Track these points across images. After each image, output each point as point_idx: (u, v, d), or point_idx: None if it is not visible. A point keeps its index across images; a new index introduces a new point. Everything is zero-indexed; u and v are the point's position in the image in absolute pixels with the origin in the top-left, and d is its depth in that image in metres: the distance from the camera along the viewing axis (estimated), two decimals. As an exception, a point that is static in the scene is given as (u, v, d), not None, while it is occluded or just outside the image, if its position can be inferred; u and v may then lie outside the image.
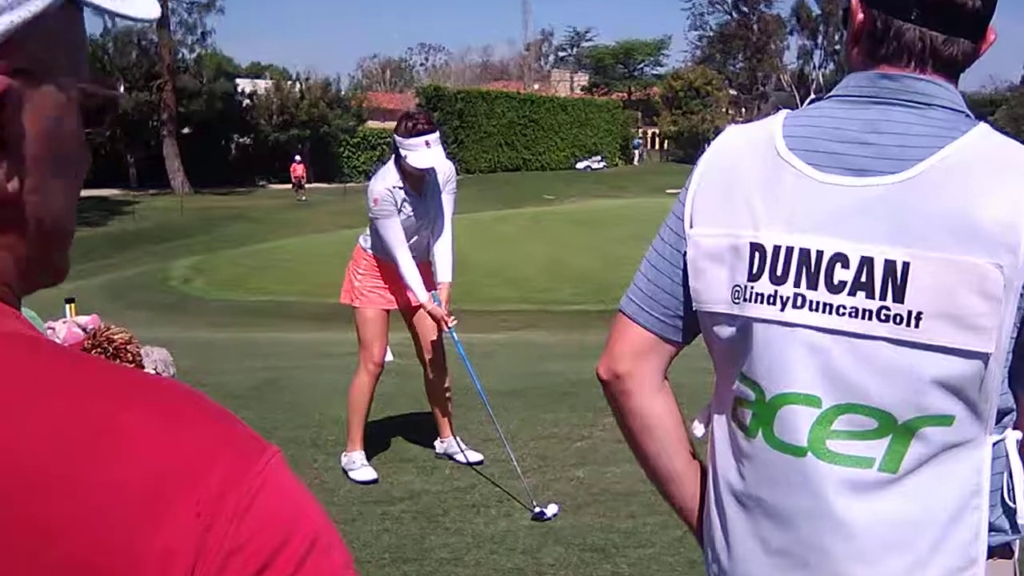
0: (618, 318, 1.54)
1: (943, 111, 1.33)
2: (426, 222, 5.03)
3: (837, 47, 74.08)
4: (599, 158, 59.41)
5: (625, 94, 76.75)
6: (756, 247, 1.35)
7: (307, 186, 42.57)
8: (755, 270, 1.36)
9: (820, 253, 1.31)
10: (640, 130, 69.85)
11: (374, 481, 5.00)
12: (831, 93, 1.42)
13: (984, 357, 1.25)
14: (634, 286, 1.53)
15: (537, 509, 4.55)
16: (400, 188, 4.88)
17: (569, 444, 5.63)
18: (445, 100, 51.54)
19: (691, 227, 1.44)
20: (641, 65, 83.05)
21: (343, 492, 4.88)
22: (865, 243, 1.28)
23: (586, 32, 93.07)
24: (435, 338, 5.22)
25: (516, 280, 18.41)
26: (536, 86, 79.83)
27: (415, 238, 4.99)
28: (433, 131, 4.82)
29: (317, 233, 28.30)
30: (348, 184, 44.04)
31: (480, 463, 5.29)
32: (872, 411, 1.29)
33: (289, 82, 51.54)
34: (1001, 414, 1.32)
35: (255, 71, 60.72)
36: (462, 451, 5.33)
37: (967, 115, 1.35)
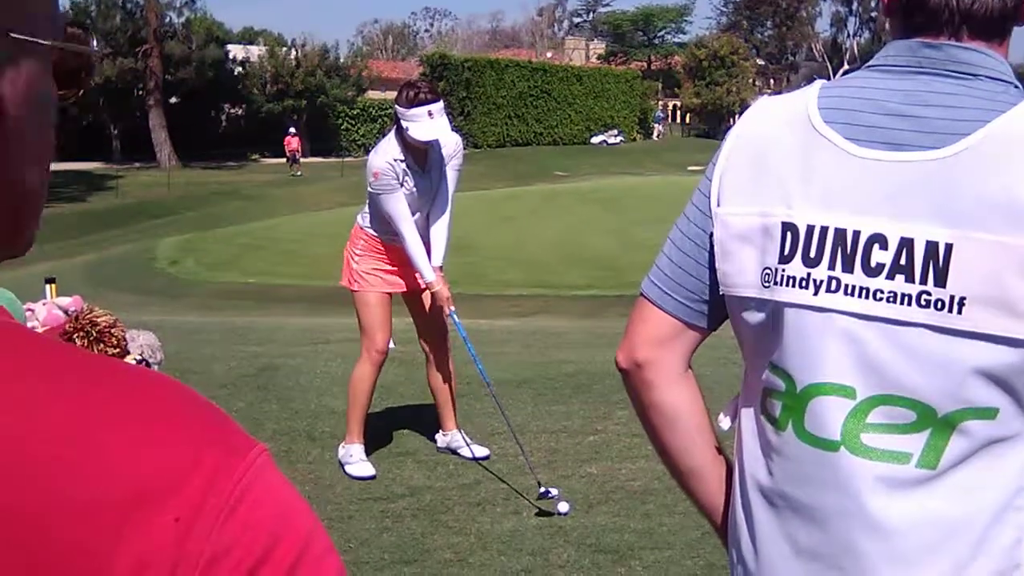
0: (639, 303, 1.54)
1: (989, 82, 1.32)
2: (428, 199, 5.04)
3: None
4: (616, 132, 59.33)
5: (644, 63, 76.67)
6: (788, 227, 1.35)
7: (302, 160, 42.65)
8: (787, 251, 1.35)
9: (857, 233, 1.30)
10: (661, 102, 69.73)
11: (372, 477, 5.02)
12: (869, 63, 1.42)
13: None
14: (656, 268, 1.52)
15: (543, 489, 4.58)
16: (402, 161, 4.88)
17: (581, 438, 5.64)
18: (451, 69, 51.48)
19: (718, 206, 1.43)
20: (662, 32, 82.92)
21: (340, 488, 4.90)
22: (905, 223, 1.27)
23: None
24: (440, 323, 5.22)
25: (526, 263, 18.43)
26: (549, 54, 79.79)
27: (416, 215, 4.99)
28: (436, 100, 4.82)
29: (313, 211, 28.37)
30: (346, 159, 44.08)
31: (486, 458, 5.31)
32: (910, 403, 1.29)
33: (284, 49, 51.50)
34: None
35: (248, 37, 60.67)
36: (467, 445, 5.34)
37: (1016, 86, 1.34)
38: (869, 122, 1.33)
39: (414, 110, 4.76)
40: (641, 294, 1.54)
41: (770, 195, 1.37)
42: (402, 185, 4.90)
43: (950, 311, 1.24)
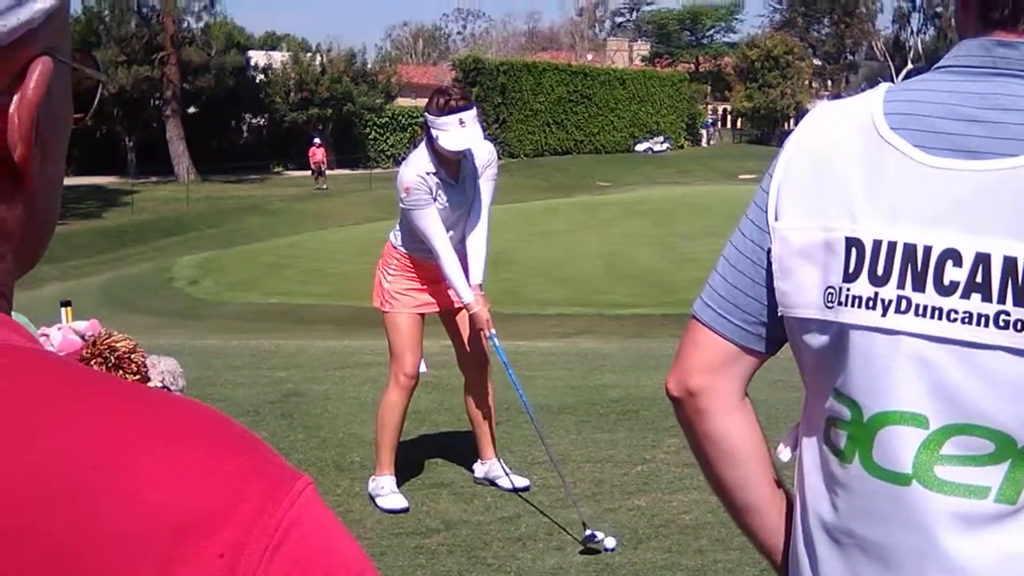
0: (692, 325, 1.53)
1: None
2: (463, 213, 5.06)
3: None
4: (662, 139, 59.33)
5: (692, 65, 76.54)
6: (853, 242, 1.33)
7: (328, 173, 42.90)
8: (852, 269, 1.33)
9: (928, 249, 1.28)
10: (710, 107, 69.61)
11: (405, 510, 5.03)
12: (939, 64, 1.40)
13: None
14: (710, 288, 1.51)
15: (588, 532, 4.57)
16: (433, 174, 4.91)
17: (628, 468, 5.63)
18: (485, 73, 51.71)
19: (776, 220, 1.42)
20: (711, 32, 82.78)
21: (371, 523, 4.92)
22: (981, 237, 1.25)
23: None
24: (479, 346, 5.24)
25: (567, 279, 18.43)
26: (590, 57, 79.89)
27: (450, 232, 5.01)
28: (469, 108, 4.84)
29: (340, 226, 28.53)
30: (375, 170, 44.34)
31: (526, 489, 5.30)
32: (988, 432, 1.27)
33: (309, 55, 51.98)
34: None
35: (270, 42, 61.47)
36: (506, 475, 5.34)
37: None
38: (940, 128, 1.31)
39: (445, 118, 4.78)
40: (693, 316, 1.53)
41: (833, 208, 1.36)
42: (435, 199, 4.92)
43: None
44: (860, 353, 1.34)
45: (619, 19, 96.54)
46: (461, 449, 5.74)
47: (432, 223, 4.92)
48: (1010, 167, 1.26)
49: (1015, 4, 1.32)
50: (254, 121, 51.71)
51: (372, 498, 5.14)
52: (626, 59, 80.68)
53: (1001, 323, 1.24)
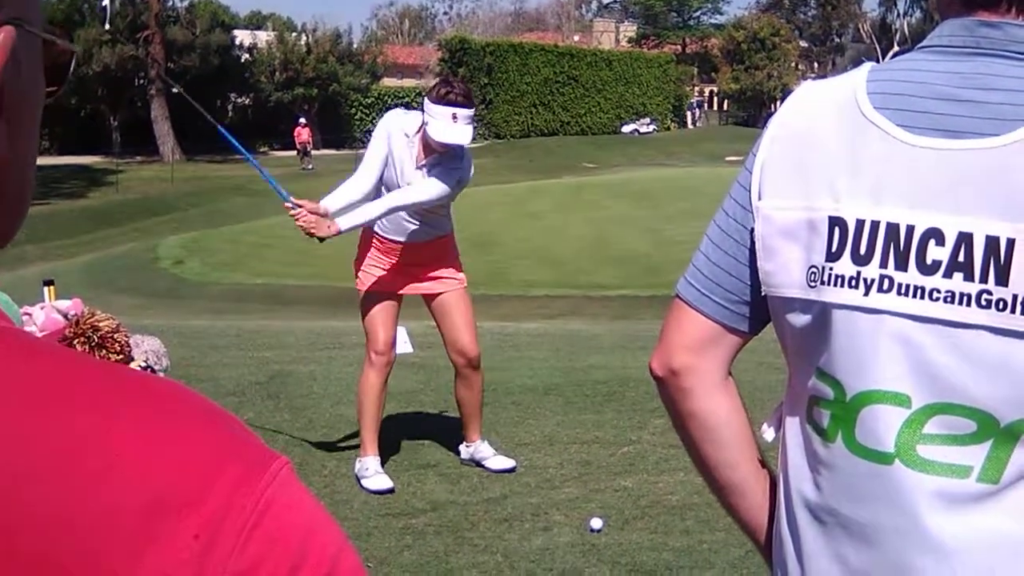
0: (675, 305, 1.53)
1: None
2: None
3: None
4: (648, 120, 59.31)
5: (679, 47, 76.48)
6: (836, 221, 1.34)
7: (314, 153, 42.80)
8: (834, 248, 1.34)
9: (911, 228, 1.29)
10: (696, 88, 69.60)
11: (391, 490, 5.03)
12: (922, 44, 1.40)
13: None
14: (694, 268, 1.52)
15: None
16: (407, 142, 4.94)
17: (615, 449, 5.64)
18: (471, 54, 51.58)
19: (760, 199, 1.43)
20: (697, 13, 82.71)
21: (358, 504, 4.92)
22: (964, 216, 1.26)
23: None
24: (466, 332, 5.23)
25: (553, 261, 18.42)
26: (576, 37, 79.79)
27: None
28: (466, 106, 4.85)
29: (326, 207, 28.40)
30: (360, 150, 44.11)
31: (512, 471, 5.31)
32: (971, 411, 1.27)
33: (294, 34, 51.81)
34: None
35: (255, 22, 61.15)
36: (492, 457, 5.35)
37: None
38: (923, 107, 1.32)
39: (439, 107, 4.79)
40: (677, 295, 1.53)
41: (816, 187, 1.36)
42: (388, 164, 4.95)
43: (1012, 311, 1.23)
44: (842, 332, 1.34)
45: (606, 0, 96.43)
46: (447, 430, 5.75)
47: (364, 165, 4.99)
48: (992, 146, 1.26)
49: None
50: (239, 101, 51.50)
51: (358, 479, 5.14)
52: (613, 40, 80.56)
53: (983, 302, 1.24)
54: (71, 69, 0.72)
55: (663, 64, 64.80)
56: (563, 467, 5.26)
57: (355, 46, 53.98)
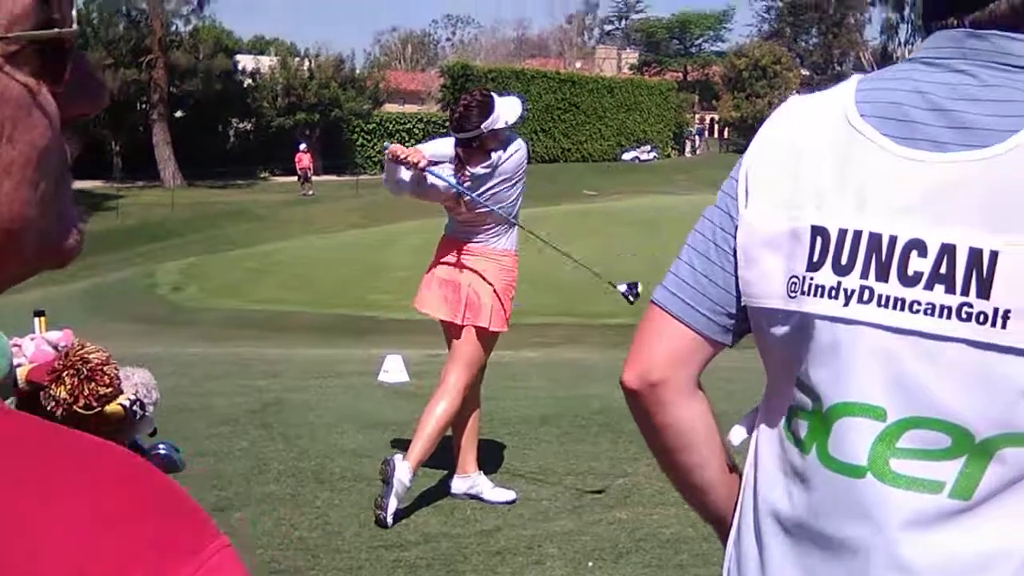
0: (655, 315, 1.50)
1: None
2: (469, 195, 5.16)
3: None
4: (649, 148, 59.40)
5: (680, 74, 76.78)
6: (818, 231, 1.33)
7: (315, 179, 42.88)
8: (816, 258, 1.33)
9: (893, 239, 1.28)
10: (697, 116, 69.82)
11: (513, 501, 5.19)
12: (911, 55, 1.40)
13: None
14: (676, 278, 1.49)
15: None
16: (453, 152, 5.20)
17: (610, 481, 5.61)
18: (473, 80, 51.65)
19: (745, 207, 1.42)
20: (699, 41, 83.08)
21: (350, 535, 4.88)
22: (947, 228, 1.25)
23: (637, 2, 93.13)
24: (458, 356, 5.23)
25: (552, 288, 18.39)
26: (578, 64, 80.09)
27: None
28: (460, 131, 5.08)
29: (325, 233, 28.46)
30: (361, 176, 44.29)
31: (513, 503, 5.28)
32: (946, 426, 1.26)
33: (297, 59, 51.94)
34: None
35: (259, 47, 61.32)
36: (492, 490, 5.32)
37: None
38: (910, 118, 1.32)
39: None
40: (656, 305, 1.50)
41: (800, 196, 1.35)
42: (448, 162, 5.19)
43: (993, 325, 1.22)
44: (822, 343, 1.33)
45: (608, 27, 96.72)
46: (441, 461, 5.72)
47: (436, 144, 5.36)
48: (978, 159, 1.26)
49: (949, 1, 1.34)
50: (241, 126, 51.62)
51: (382, 507, 4.97)
52: (614, 67, 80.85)
53: (964, 315, 1.24)
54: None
55: (664, 91, 65.00)
56: (557, 499, 5.23)
57: (358, 72, 54.16)
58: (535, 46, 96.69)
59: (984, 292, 1.23)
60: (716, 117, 70.89)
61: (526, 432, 6.43)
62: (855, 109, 1.36)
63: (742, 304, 1.43)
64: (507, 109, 5.15)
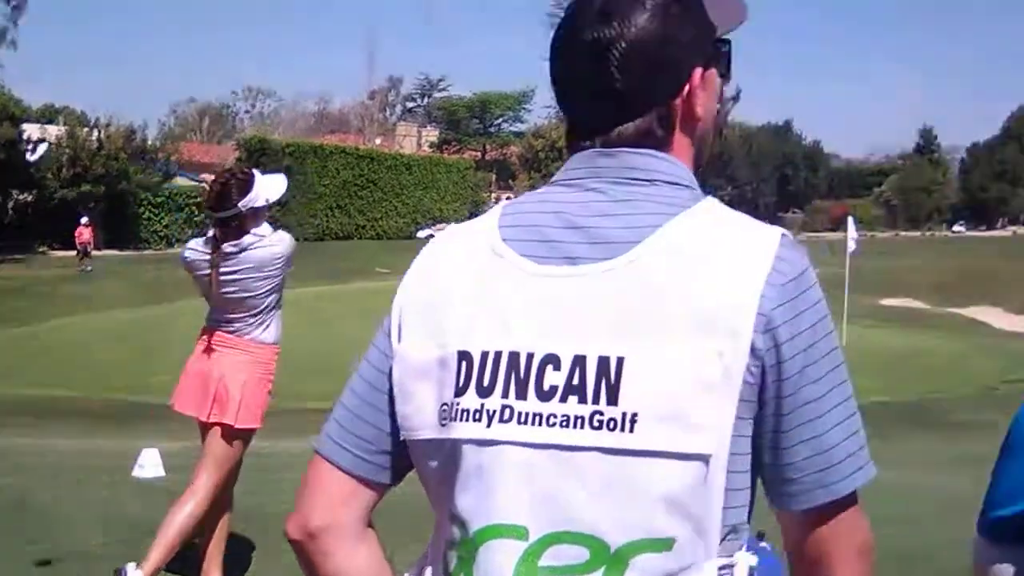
0: (314, 461, 1.48)
1: (667, 187, 1.37)
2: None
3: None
4: (444, 226, 59.65)
5: (479, 153, 77.83)
6: (464, 356, 1.34)
7: (96, 253, 41.40)
8: (461, 383, 1.33)
9: (531, 356, 1.30)
10: (494, 195, 70.85)
11: None
12: (553, 178, 1.46)
13: (704, 459, 1.24)
14: (332, 421, 1.48)
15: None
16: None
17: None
18: (270, 154, 51.13)
19: (398, 342, 1.42)
20: (499, 121, 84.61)
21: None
22: (579, 339, 1.28)
23: (439, 81, 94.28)
24: (211, 461, 5.04)
25: (339, 371, 18.17)
26: (379, 140, 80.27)
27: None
28: (221, 210, 4.92)
29: (103, 311, 27.48)
30: (145, 251, 43.03)
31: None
32: (583, 538, 1.26)
33: (86, 129, 50.27)
34: (728, 531, 1.30)
35: (47, 115, 59.16)
36: None
37: (692, 189, 1.40)
38: (548, 237, 1.36)
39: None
40: (316, 451, 1.48)
41: (448, 323, 1.37)
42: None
43: (623, 430, 1.24)
44: (469, 468, 1.33)
45: (410, 104, 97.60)
46: (184, 567, 5.50)
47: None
48: (605, 270, 1.30)
49: (572, 123, 1.43)
50: (20, 197, 49.44)
51: None
52: (415, 144, 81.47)
53: (595, 423, 1.25)
54: None
55: (462, 170, 65.75)
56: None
57: (149, 143, 52.82)
58: (336, 121, 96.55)
59: (613, 398, 1.25)
60: (512, 196, 72.09)
61: (278, 530, 6.28)
62: (498, 234, 1.40)
63: (401, 439, 1.42)
64: (268, 187, 5.01)
